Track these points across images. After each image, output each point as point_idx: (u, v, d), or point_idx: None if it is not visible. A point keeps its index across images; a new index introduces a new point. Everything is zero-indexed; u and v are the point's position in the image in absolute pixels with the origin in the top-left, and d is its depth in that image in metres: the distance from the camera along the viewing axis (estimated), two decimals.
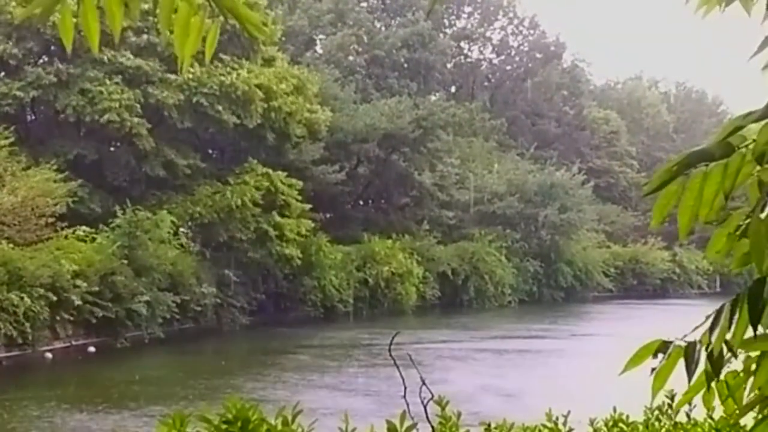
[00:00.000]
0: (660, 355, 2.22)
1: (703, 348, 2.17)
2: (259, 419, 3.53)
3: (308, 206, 40.95)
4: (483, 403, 19.99)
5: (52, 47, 35.02)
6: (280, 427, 3.56)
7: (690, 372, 2.19)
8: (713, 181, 2.27)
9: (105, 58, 34.20)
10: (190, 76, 35.28)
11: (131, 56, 35.12)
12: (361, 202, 54.67)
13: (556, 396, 14.05)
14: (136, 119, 35.19)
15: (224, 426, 3.53)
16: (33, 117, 39.14)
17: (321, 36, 62.40)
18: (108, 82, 34.95)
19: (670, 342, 2.21)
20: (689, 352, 2.18)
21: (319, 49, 61.77)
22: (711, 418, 4.22)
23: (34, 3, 2.17)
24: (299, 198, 40.16)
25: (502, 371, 27.97)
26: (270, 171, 39.02)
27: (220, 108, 36.82)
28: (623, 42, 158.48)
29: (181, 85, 35.97)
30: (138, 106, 35.22)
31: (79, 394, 22.86)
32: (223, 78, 36.62)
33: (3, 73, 35.86)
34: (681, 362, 2.35)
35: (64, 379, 25.85)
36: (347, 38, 59.35)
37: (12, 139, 31.77)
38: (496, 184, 56.53)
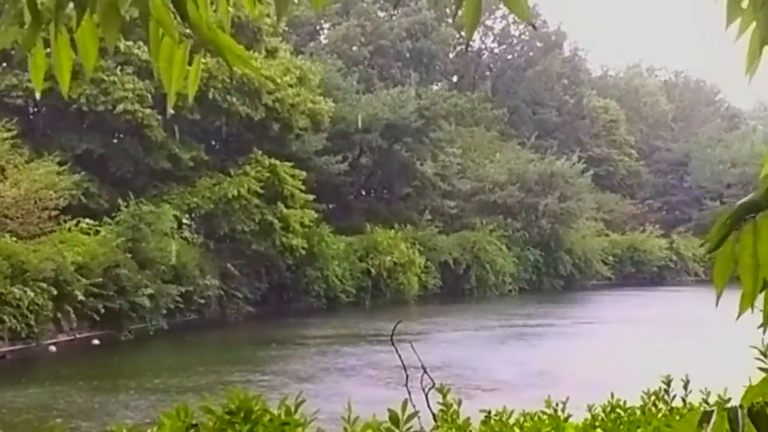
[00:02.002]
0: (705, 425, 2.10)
1: (746, 411, 2.09)
2: (261, 409, 3.60)
3: (311, 197, 41.03)
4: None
5: None
6: (283, 416, 3.63)
7: None
8: (765, 235, 2.06)
9: (119, 47, 34.15)
10: (202, 68, 35.16)
11: (145, 48, 35.09)
12: (364, 193, 54.74)
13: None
14: (147, 110, 35.20)
15: (227, 417, 3.60)
16: (36, 109, 39.12)
17: (326, 26, 62.42)
18: (120, 72, 34.97)
19: (712, 411, 2.12)
20: (732, 418, 2.08)
21: (323, 39, 61.79)
22: (706, 402, 4.30)
23: (6, 34, 2.11)
24: (302, 189, 40.23)
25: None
26: (277, 162, 39.04)
27: (234, 100, 36.87)
28: (622, 30, 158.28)
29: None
30: (149, 96, 35.22)
31: (90, 383, 22.94)
32: (234, 69, 36.51)
33: (4, 65, 35.83)
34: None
35: (72, 371, 25.91)
36: (352, 29, 59.35)
37: (15, 132, 31.79)
38: (497, 173, 56.56)
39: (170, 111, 31.56)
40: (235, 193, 37.30)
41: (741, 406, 2.10)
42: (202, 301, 35.59)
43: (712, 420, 2.09)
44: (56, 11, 2.09)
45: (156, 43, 2.18)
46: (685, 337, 30.35)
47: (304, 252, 39.87)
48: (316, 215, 41.33)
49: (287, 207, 39.30)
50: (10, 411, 19.73)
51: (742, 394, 2.17)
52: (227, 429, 3.57)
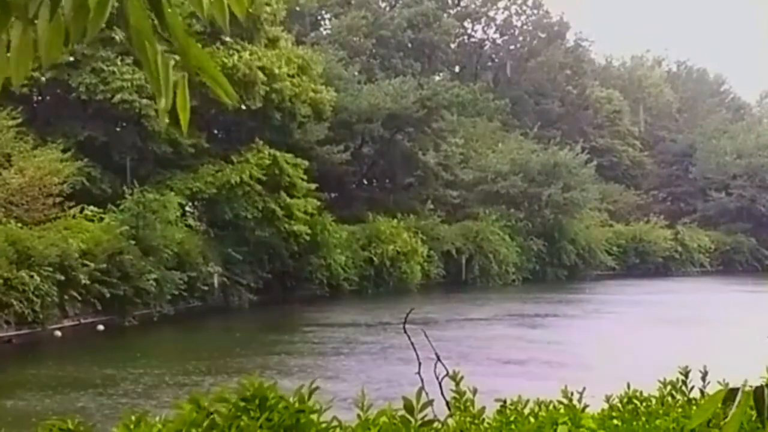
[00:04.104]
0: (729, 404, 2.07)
1: None
2: (276, 397, 3.61)
3: (313, 186, 41.03)
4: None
5: None
6: (297, 404, 3.65)
7: (764, 417, 2.06)
8: None
9: (116, 38, 34.14)
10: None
11: None
12: (366, 182, 54.76)
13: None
14: (144, 100, 35.27)
15: (242, 404, 3.62)
16: (40, 98, 39.17)
17: (328, 16, 62.36)
18: (119, 62, 35.05)
19: (737, 389, 2.09)
20: (759, 397, 2.07)
21: (324, 29, 61.70)
22: None
23: None
24: (305, 178, 40.23)
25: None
26: (276, 153, 39.00)
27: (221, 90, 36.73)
28: (626, 21, 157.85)
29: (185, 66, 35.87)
30: (148, 86, 35.25)
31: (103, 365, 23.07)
32: (225, 60, 36.55)
33: (9, 55, 35.81)
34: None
35: (81, 354, 26.03)
36: (354, 20, 59.29)
37: (20, 120, 31.88)
38: (500, 163, 56.54)
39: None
40: (238, 179, 37.32)
41: (767, 386, 2.09)
42: (205, 288, 35.67)
43: (738, 399, 2.07)
44: (26, 4, 1.97)
45: (143, 51, 2.11)
46: (699, 326, 30.47)
47: (306, 240, 39.88)
48: (318, 204, 41.34)
49: (290, 196, 39.30)
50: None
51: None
52: (242, 416, 3.58)
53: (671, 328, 30.68)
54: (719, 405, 2.07)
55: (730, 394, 2.09)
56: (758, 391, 2.08)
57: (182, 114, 2.15)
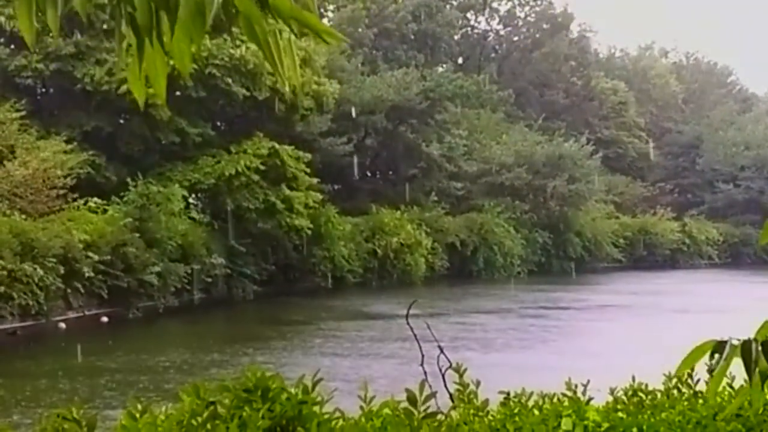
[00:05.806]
0: (716, 356, 2.10)
1: (759, 345, 2.06)
2: (279, 388, 3.59)
3: (316, 179, 40.98)
4: None
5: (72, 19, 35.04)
6: (300, 395, 3.62)
7: (751, 372, 2.07)
8: None
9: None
10: (202, 47, 35.22)
11: None
12: (369, 174, 54.69)
13: None
14: (150, 90, 35.18)
15: (245, 395, 3.60)
16: (44, 89, 39.16)
17: (331, 8, 62.32)
18: (125, 54, 35.03)
19: (725, 342, 2.11)
20: (746, 351, 2.08)
21: (328, 21, 61.61)
22: (731, 387, 4.27)
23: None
24: (307, 170, 40.17)
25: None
26: (276, 145, 38.95)
27: (230, 80, 36.89)
28: (632, 13, 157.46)
29: (194, 55, 35.89)
30: None
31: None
32: (232, 51, 36.60)
33: (13, 47, 35.83)
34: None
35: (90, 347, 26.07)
36: (357, 12, 59.25)
37: (24, 112, 31.89)
38: (504, 155, 56.44)
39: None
40: (233, 170, 37.28)
41: (755, 340, 2.09)
42: (209, 279, 35.71)
43: (726, 352, 2.08)
44: (151, 24, 2.20)
45: (255, 34, 2.20)
46: (708, 319, 30.41)
47: (310, 232, 39.85)
48: (321, 196, 41.29)
49: (291, 189, 39.24)
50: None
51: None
52: (245, 407, 3.56)
53: (678, 320, 30.63)
54: (705, 355, 2.06)
55: (718, 346, 2.10)
56: (746, 345, 2.08)
57: (293, 73, 2.32)
